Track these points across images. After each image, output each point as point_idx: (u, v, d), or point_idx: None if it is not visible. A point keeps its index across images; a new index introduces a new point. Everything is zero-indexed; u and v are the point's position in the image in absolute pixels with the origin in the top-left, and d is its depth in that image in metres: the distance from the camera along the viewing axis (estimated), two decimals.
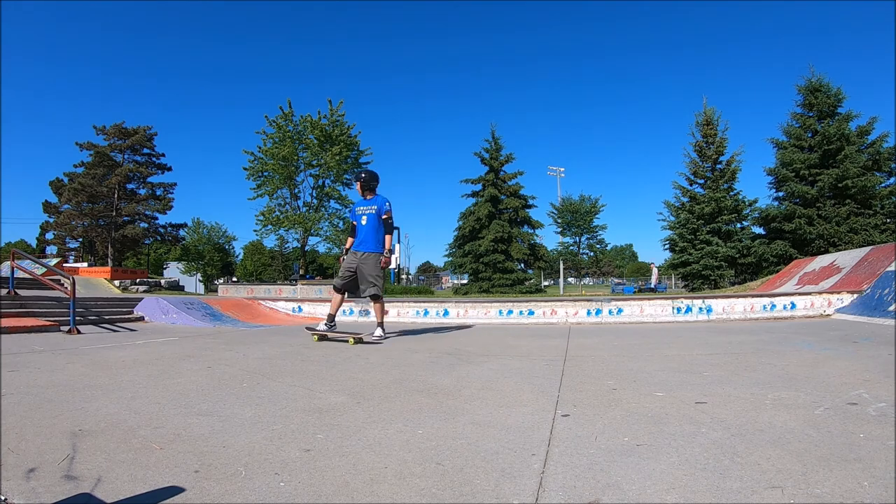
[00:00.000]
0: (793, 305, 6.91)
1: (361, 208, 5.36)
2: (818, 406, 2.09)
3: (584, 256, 39.76)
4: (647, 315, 7.16)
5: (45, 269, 10.63)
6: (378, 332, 5.11)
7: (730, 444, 1.67)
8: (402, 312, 8.32)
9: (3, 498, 1.31)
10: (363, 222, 5.26)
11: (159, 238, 42.27)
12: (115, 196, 38.01)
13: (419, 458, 1.63)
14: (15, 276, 7.80)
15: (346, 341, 4.82)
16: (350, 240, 5.45)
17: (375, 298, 5.16)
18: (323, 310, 9.30)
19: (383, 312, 5.29)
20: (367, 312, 8.63)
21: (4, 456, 1.63)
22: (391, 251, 5.17)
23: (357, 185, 5.46)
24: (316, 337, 5.04)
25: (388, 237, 5.21)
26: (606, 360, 3.64)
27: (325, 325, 5.22)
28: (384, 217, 5.23)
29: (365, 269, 5.14)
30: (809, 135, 20.33)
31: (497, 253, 28.48)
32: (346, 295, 5.38)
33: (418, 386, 2.81)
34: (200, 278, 43.46)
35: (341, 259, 5.47)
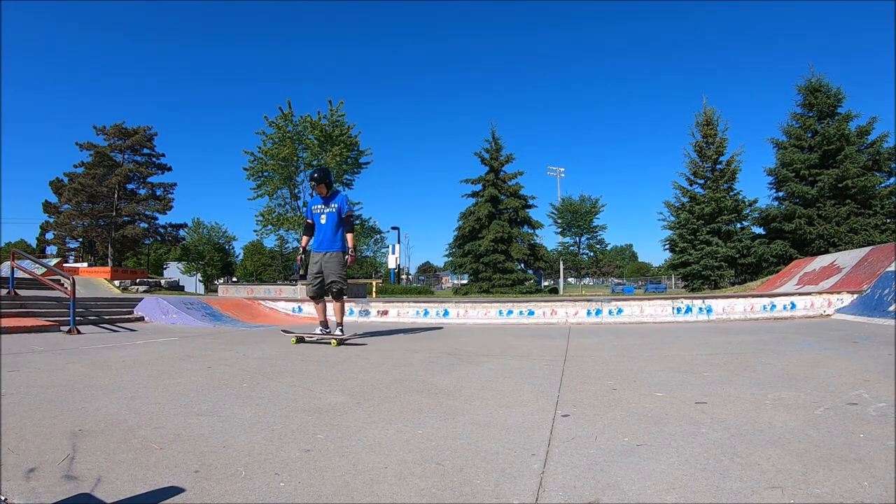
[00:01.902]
0: (793, 305, 6.90)
1: (319, 206, 5.07)
2: (818, 406, 2.09)
3: (584, 256, 39.75)
4: (647, 315, 7.15)
5: (45, 269, 10.63)
6: (337, 332, 4.95)
7: (730, 444, 1.67)
8: (402, 312, 8.32)
9: (3, 498, 1.31)
10: (322, 221, 5.03)
11: (159, 238, 42.27)
12: (115, 196, 38.01)
13: (419, 458, 1.63)
14: (15, 276, 7.80)
15: (329, 343, 4.76)
16: (305, 238, 5.25)
17: (338, 296, 4.97)
18: None
19: (343, 312, 5.07)
20: (366, 313, 8.63)
21: (4, 456, 1.63)
22: (355, 248, 5.02)
23: (315, 185, 5.08)
24: (294, 340, 4.91)
25: (349, 235, 5.01)
26: (606, 361, 3.64)
27: (321, 331, 5.02)
28: (346, 215, 5.02)
29: (328, 268, 4.95)
30: (809, 135, 20.35)
31: (497, 253, 28.50)
32: (325, 298, 5.16)
33: (418, 386, 2.81)
34: (200, 278, 43.44)
35: (299, 258, 5.26)
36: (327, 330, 5.04)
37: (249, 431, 1.94)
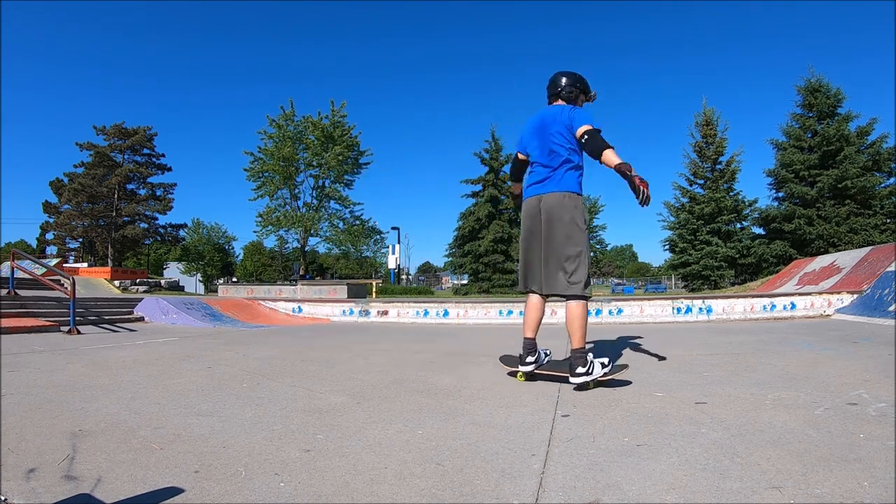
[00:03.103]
0: (793, 306, 6.90)
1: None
2: (818, 406, 2.09)
3: None
4: (647, 315, 7.15)
5: (45, 270, 10.63)
6: (582, 368, 2.56)
7: (730, 444, 1.67)
8: (402, 313, 8.32)
9: (3, 498, 1.31)
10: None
11: (159, 238, 42.29)
12: (115, 196, 38.01)
13: (419, 458, 1.63)
14: (15, 276, 7.80)
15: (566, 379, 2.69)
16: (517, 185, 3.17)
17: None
18: (323, 310, 9.28)
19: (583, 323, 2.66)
20: (366, 313, 8.61)
21: (4, 456, 1.63)
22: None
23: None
24: (522, 377, 2.93)
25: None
26: None
27: (525, 353, 2.85)
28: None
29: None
30: (809, 135, 20.34)
31: (497, 253, 28.51)
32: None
33: (418, 386, 2.81)
34: (200, 278, 43.44)
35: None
36: (536, 352, 2.85)
37: (249, 431, 1.94)
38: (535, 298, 2.84)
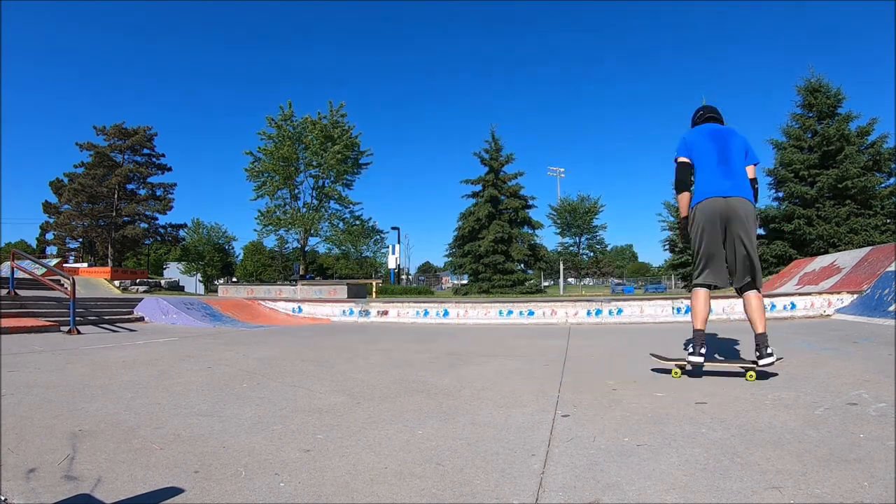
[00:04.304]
0: (793, 306, 6.90)
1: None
2: (818, 406, 2.09)
3: (584, 257, 39.74)
4: (647, 315, 7.15)
5: (45, 270, 10.63)
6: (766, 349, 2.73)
7: (730, 444, 1.67)
8: (402, 313, 8.32)
9: (3, 498, 1.31)
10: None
11: (159, 238, 42.27)
12: (115, 196, 38.01)
13: (419, 458, 1.63)
14: (15, 276, 7.80)
15: (743, 375, 2.77)
16: (687, 195, 3.12)
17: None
18: (323, 310, 9.29)
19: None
20: (366, 313, 8.61)
21: (4, 456, 1.63)
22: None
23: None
24: (677, 373, 2.93)
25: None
26: (606, 361, 3.63)
27: (695, 349, 2.88)
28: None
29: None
30: (809, 135, 20.34)
31: (497, 253, 28.51)
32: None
33: (418, 386, 2.81)
34: (200, 279, 43.44)
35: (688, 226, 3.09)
36: (703, 348, 2.90)
37: (249, 431, 1.94)
38: (707, 291, 3.14)
